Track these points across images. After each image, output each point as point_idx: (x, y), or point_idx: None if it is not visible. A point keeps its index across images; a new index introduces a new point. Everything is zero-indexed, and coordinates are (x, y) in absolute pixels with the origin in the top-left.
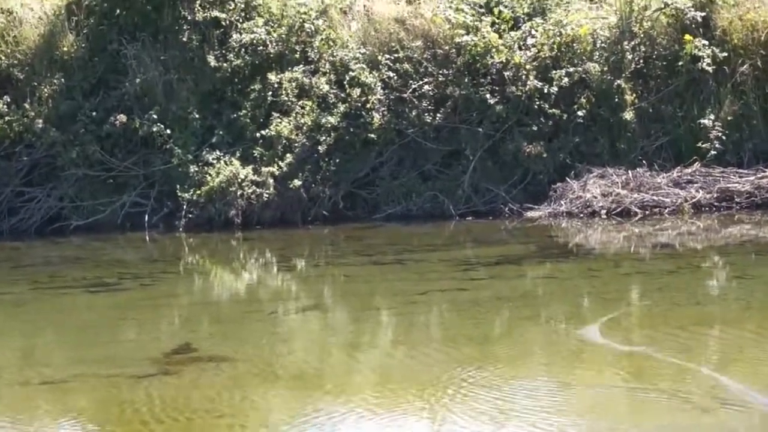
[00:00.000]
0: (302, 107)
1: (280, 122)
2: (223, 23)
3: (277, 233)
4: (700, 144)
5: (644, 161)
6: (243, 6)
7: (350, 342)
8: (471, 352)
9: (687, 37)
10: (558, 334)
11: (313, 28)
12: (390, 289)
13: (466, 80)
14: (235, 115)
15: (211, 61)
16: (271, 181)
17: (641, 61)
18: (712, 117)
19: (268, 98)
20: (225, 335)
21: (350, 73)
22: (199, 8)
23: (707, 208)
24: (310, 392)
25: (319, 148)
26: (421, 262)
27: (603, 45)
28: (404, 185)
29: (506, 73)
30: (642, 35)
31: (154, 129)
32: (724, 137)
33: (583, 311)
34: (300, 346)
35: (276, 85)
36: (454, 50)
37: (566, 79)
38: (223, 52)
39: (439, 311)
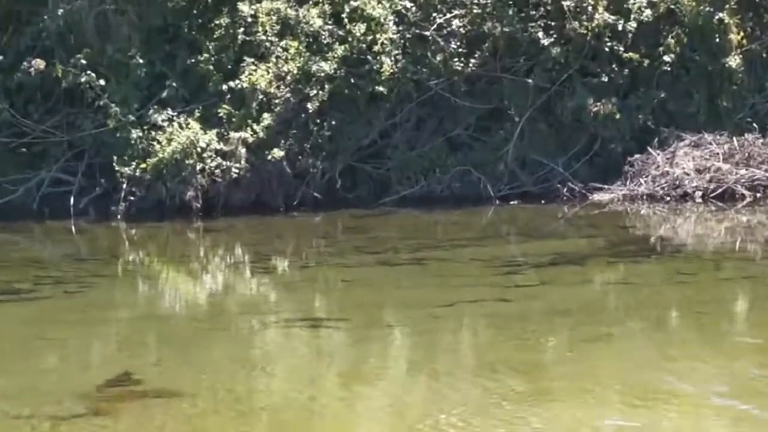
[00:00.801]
0: (285, 49)
1: (255, 70)
2: None
3: (251, 222)
4: None
5: (755, 124)
6: None
7: (349, 371)
8: (516, 385)
9: None
10: (636, 362)
11: None
12: (405, 300)
13: (510, 13)
14: (192, 61)
15: None
16: (242, 151)
17: None
18: None
19: (239, 37)
20: (178, 361)
21: (351, 2)
22: None
23: None
24: None
25: (309, 105)
26: (448, 263)
27: None
28: (425, 157)
29: (565, 3)
30: None
31: (83, 79)
32: None
33: (670, 331)
34: (280, 377)
35: (249, 19)
36: None
37: (648, 12)
38: None
39: (471, 330)
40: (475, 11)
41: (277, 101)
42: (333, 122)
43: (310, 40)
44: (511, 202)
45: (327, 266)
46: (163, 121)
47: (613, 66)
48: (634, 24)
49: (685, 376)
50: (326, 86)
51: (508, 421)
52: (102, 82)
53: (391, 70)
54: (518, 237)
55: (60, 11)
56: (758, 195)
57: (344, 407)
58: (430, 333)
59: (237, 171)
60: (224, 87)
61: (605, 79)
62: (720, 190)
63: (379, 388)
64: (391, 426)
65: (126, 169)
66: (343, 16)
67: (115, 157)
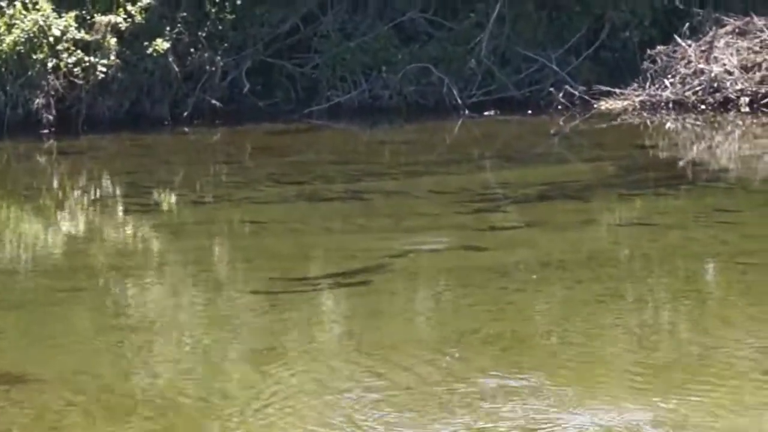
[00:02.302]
0: None
1: None
2: None
3: (125, 141)
4: None
5: None
6: None
7: (257, 350)
8: (489, 367)
9: None
10: (658, 334)
11: None
12: (337, 249)
13: None
14: None
15: None
16: (112, 41)
17: None
18: None
19: None
20: (23, 334)
21: None
22: None
23: None
24: None
25: None
26: (398, 197)
27: None
28: (366, 50)
29: None
30: None
31: None
32: None
33: (704, 290)
34: (162, 357)
35: None
36: None
37: None
38: None
39: (429, 290)
40: None
41: None
42: (238, 1)
43: None
44: (486, 113)
45: (229, 202)
46: None
47: None
48: None
49: (725, 351)
50: None
51: (476, 420)
52: None
53: None
54: (495, 161)
55: None
56: None
57: (249, 396)
58: (372, 294)
59: (105, 70)
60: None
61: None
62: None
63: (297, 375)
64: (316, 421)
65: None
66: None
67: None
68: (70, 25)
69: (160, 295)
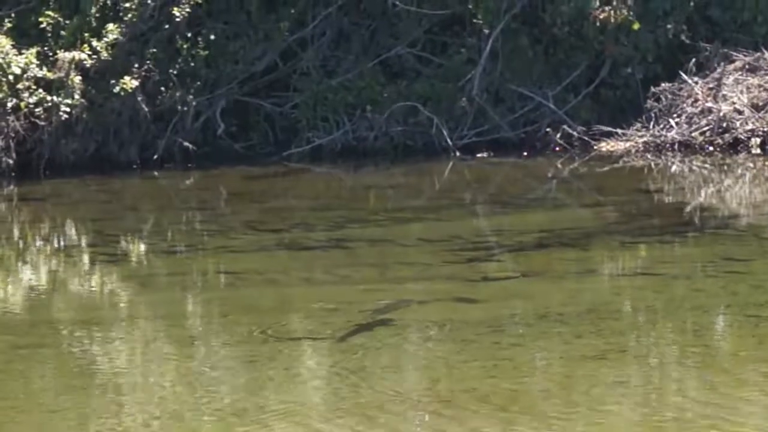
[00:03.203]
0: None
1: None
2: None
3: (91, 187)
4: None
5: None
6: None
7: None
8: (485, 424)
9: None
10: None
11: None
12: (318, 301)
13: None
14: None
15: None
16: (76, 80)
17: None
18: None
19: None
20: None
21: None
22: None
23: None
24: None
25: (175, 11)
26: (384, 246)
27: None
28: (350, 88)
29: None
30: None
31: None
32: None
33: (713, 344)
34: (132, 417)
35: None
36: None
37: None
38: None
39: (417, 345)
40: None
41: (127, 5)
42: (212, 36)
43: None
44: (479, 155)
45: (203, 252)
46: None
47: None
48: None
49: (736, 411)
50: None
51: None
52: None
53: None
54: (489, 206)
55: None
56: None
57: None
58: (356, 350)
59: (68, 110)
60: None
61: None
62: None
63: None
64: None
65: None
66: None
67: None
68: (31, 62)
69: (128, 352)
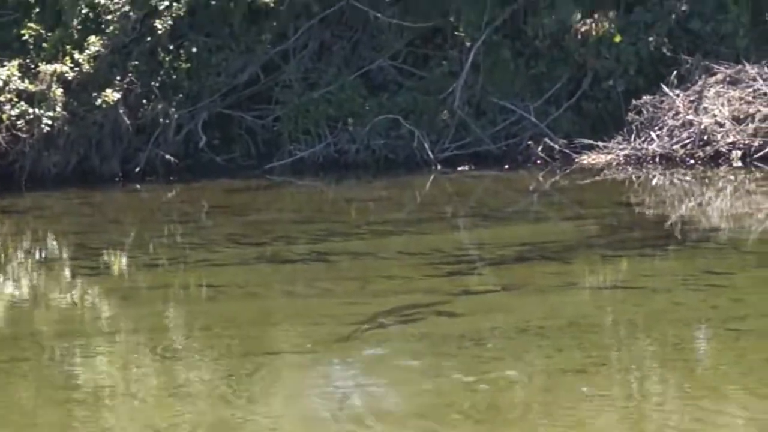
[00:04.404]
0: None
1: None
2: None
3: (72, 199)
4: None
5: None
6: None
7: (214, 419)
8: None
9: None
10: (646, 407)
11: None
12: (299, 314)
13: None
14: None
15: None
16: (58, 92)
17: None
18: None
19: None
20: None
21: None
22: None
23: None
24: None
25: (157, 24)
26: (365, 259)
27: None
28: (331, 101)
29: None
30: None
31: None
32: None
33: (694, 358)
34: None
35: None
36: None
37: None
38: None
39: (398, 358)
40: None
41: (109, 17)
42: (194, 49)
43: None
44: (460, 168)
45: (185, 265)
46: None
47: None
48: None
49: (717, 425)
50: None
51: None
52: None
53: None
54: (470, 220)
55: None
56: None
57: None
58: (336, 363)
59: (50, 123)
60: None
61: None
62: None
63: None
64: None
65: None
66: None
67: None
68: (13, 75)
69: (110, 365)
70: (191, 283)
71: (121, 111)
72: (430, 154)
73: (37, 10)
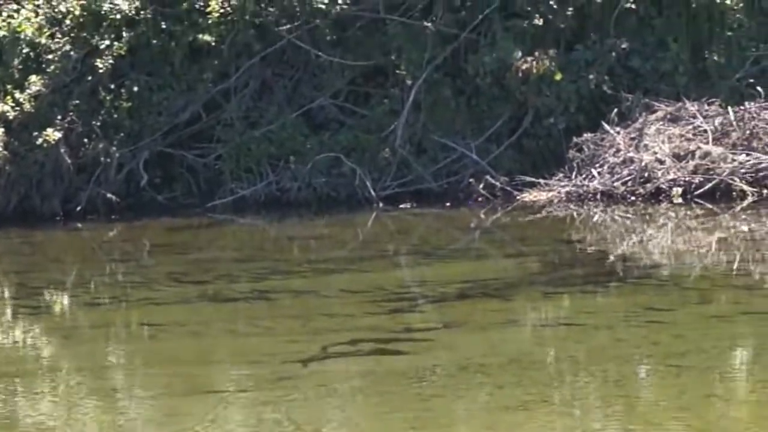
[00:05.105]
0: None
1: (18, 11)
2: None
3: (13, 239)
4: None
5: (759, 88)
6: None
7: None
8: None
9: None
10: None
11: None
12: (240, 353)
13: None
14: None
15: None
16: (0, 131)
17: None
18: None
19: None
20: None
21: None
22: None
23: None
24: None
25: (98, 63)
26: (307, 297)
27: None
28: (273, 140)
29: None
30: None
31: None
32: None
33: (634, 395)
34: None
35: None
36: None
37: None
38: None
39: (339, 398)
40: None
41: (51, 57)
42: (135, 88)
43: None
44: (402, 206)
45: (126, 304)
46: None
47: (551, 2)
48: None
49: None
50: (124, 34)
51: None
52: None
53: (222, 10)
54: (412, 257)
55: None
56: (765, 192)
57: None
58: (277, 403)
59: None
60: None
61: (539, 21)
62: (709, 186)
63: None
64: None
65: None
66: None
67: None
68: None
69: (49, 405)
70: (132, 322)
71: (62, 150)
72: (371, 191)
73: None
